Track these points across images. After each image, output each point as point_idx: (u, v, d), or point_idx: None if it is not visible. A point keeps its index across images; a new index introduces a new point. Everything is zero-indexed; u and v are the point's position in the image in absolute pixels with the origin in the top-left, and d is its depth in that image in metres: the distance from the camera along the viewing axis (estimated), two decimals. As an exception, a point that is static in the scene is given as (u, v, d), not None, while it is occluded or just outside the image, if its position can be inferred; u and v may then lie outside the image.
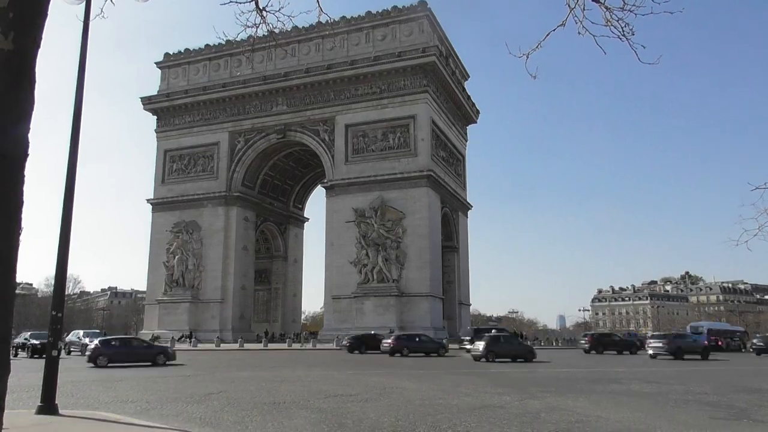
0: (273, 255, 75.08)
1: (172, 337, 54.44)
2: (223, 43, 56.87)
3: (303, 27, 59.25)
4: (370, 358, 35.23)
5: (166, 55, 70.33)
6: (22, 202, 4.13)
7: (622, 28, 6.39)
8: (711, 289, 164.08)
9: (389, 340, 39.75)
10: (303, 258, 79.65)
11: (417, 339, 40.62)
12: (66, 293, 21.90)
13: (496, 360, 32.33)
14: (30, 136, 4.21)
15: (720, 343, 53.73)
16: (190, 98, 66.78)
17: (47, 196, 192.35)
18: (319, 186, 68.96)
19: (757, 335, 62.60)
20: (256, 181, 68.20)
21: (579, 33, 6.53)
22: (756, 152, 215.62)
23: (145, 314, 67.47)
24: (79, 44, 13.36)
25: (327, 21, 8.92)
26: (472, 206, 73.91)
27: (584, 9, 6.39)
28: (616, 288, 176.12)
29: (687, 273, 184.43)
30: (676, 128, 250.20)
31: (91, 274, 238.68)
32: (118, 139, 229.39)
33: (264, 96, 64.13)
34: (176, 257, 63.61)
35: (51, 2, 4.38)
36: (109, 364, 26.96)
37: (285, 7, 7.13)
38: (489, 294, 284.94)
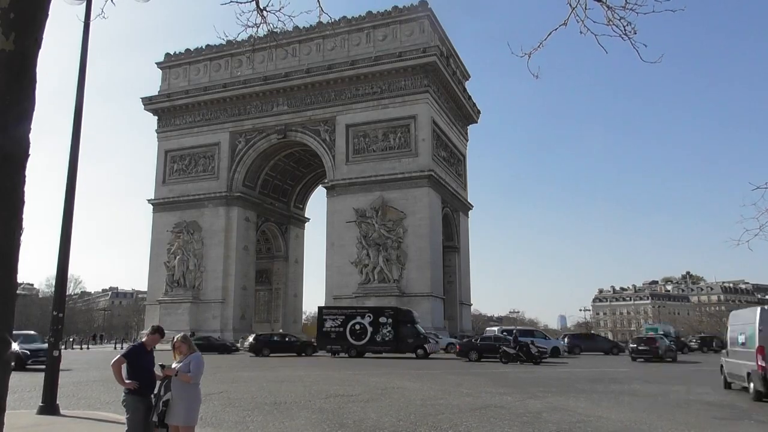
0: (274, 255, 75.05)
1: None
2: (224, 43, 56.91)
3: (303, 27, 59.13)
4: (376, 360, 35.20)
5: (167, 55, 70.37)
6: (23, 202, 4.13)
7: (624, 27, 6.37)
8: (712, 289, 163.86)
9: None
10: (304, 258, 79.67)
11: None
12: (67, 293, 21.89)
13: None
14: (31, 136, 4.21)
15: None
16: (190, 98, 66.80)
17: (48, 197, 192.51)
18: (320, 186, 68.90)
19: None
20: (257, 182, 68.20)
21: (581, 32, 6.51)
22: (757, 152, 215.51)
23: (146, 314, 67.46)
24: (80, 44, 13.38)
25: (327, 21, 8.92)
26: (473, 206, 73.88)
27: (586, 8, 6.38)
28: (617, 288, 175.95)
29: (688, 273, 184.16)
30: (678, 127, 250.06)
31: (92, 275, 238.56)
32: (118, 140, 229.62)
33: (265, 96, 64.13)
34: (177, 257, 63.62)
35: (51, 2, 4.38)
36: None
37: (285, 7, 7.12)
38: (490, 294, 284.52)
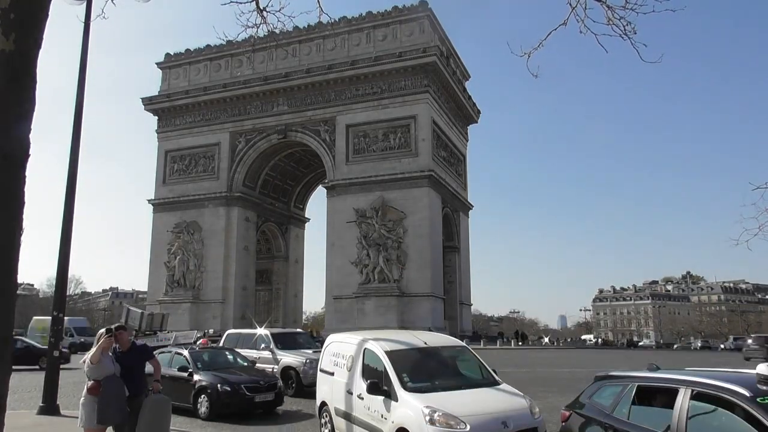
0: (274, 255, 74.99)
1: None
2: (224, 43, 56.78)
3: (303, 27, 59.17)
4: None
5: (167, 55, 70.31)
6: (24, 202, 4.13)
7: (623, 26, 6.38)
8: (712, 288, 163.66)
9: None
10: (304, 258, 79.62)
11: None
12: (67, 294, 21.86)
13: None
14: (31, 136, 4.21)
15: None
16: (190, 98, 66.73)
17: (48, 197, 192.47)
18: (320, 186, 68.85)
19: None
20: (257, 182, 68.15)
21: (581, 32, 6.52)
22: (757, 152, 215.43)
23: (147, 315, 67.38)
24: (80, 45, 13.39)
25: (327, 21, 8.92)
26: (473, 206, 73.84)
27: (586, 8, 6.38)
28: (618, 288, 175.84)
29: (688, 273, 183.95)
30: (678, 127, 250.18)
31: (92, 275, 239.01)
32: (119, 140, 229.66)
33: (265, 96, 64.08)
34: (177, 258, 63.57)
35: (51, 2, 4.38)
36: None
37: (285, 7, 7.12)
38: (490, 294, 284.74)
